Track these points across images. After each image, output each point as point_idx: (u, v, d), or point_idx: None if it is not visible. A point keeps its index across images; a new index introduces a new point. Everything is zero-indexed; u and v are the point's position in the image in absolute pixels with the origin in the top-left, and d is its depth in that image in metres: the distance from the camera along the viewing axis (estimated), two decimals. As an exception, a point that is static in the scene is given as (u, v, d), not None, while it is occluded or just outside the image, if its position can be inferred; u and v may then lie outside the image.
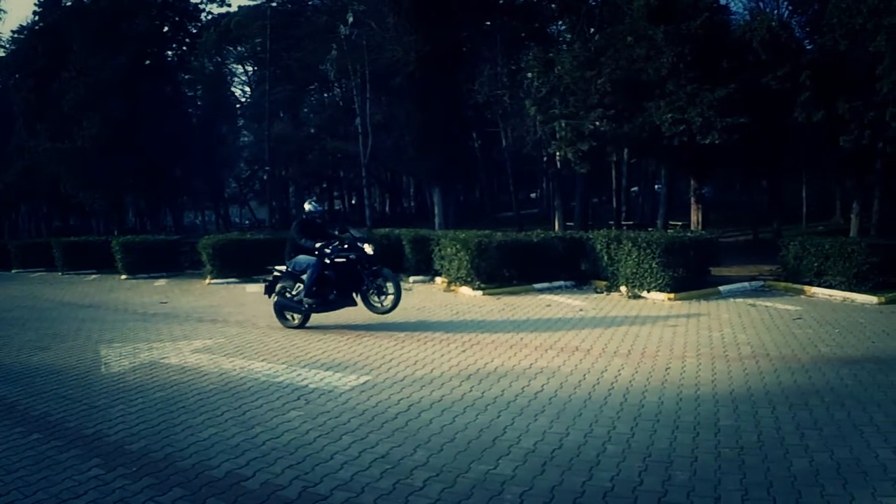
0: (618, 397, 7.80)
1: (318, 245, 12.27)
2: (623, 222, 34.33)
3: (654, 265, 15.89)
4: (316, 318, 12.93)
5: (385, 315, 12.72)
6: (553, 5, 39.63)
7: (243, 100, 68.99)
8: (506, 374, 8.89)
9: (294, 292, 12.73)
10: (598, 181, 44.49)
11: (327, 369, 9.34)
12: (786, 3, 41.97)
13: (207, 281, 22.42)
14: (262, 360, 10.05)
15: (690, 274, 16.34)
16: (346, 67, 44.59)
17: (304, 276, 12.41)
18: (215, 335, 12.51)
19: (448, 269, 18.49)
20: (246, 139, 67.63)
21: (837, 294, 15.82)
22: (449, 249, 18.56)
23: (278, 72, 54.26)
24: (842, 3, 21.86)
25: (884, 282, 15.87)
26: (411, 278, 20.40)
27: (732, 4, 58.87)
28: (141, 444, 6.60)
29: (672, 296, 15.77)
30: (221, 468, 5.93)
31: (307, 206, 13.16)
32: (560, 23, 40.03)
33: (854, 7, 21.27)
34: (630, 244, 16.53)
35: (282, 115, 58.76)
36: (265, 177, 56.76)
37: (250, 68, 68.88)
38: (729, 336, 11.39)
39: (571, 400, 7.73)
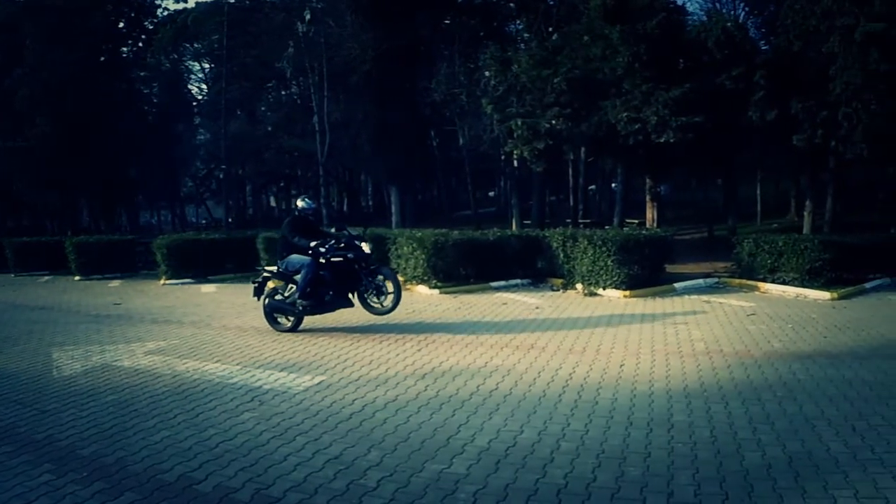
0: (572, 394, 7.78)
1: (313, 244, 11.65)
2: (580, 220, 34.47)
3: (609, 263, 15.94)
4: (309, 321, 12.53)
5: (386, 315, 12.28)
6: (511, 4, 39.82)
7: (200, 97, 68.28)
8: (461, 373, 8.83)
9: (286, 294, 12.24)
10: (555, 180, 44.70)
11: (282, 370, 9.22)
12: (742, 4, 42.56)
13: (162, 281, 22.13)
14: (217, 362, 9.89)
15: (646, 271, 16.44)
16: (304, 65, 44.34)
17: (298, 277, 11.87)
18: (169, 336, 12.29)
19: (405, 268, 18.42)
20: (202, 137, 66.92)
21: (791, 290, 16.01)
22: (405, 248, 18.50)
23: (235, 69, 53.82)
24: (796, 5, 22.13)
25: (836, 278, 16.12)
26: (369, 277, 20.29)
27: (689, 5, 59.45)
28: (92, 448, 6.46)
29: (627, 293, 15.85)
30: (173, 471, 5.82)
31: (300, 203, 12.58)
32: (518, 22, 40.13)
33: (808, 9, 21.54)
34: (586, 242, 16.57)
35: (239, 112, 58.33)
36: (221, 175, 56.26)
37: (207, 65, 68.19)
38: (683, 332, 11.44)
39: (526, 397, 7.70)
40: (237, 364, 9.70)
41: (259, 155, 53.71)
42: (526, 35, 36.02)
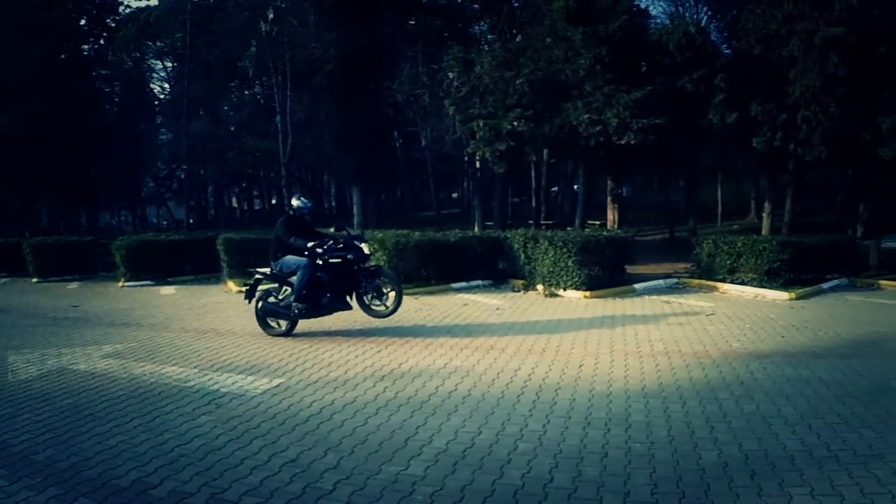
0: (531, 395, 7.76)
1: (310, 244, 11.21)
2: (542, 221, 34.59)
3: (570, 264, 15.97)
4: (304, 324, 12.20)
5: (386, 318, 11.89)
6: (475, 5, 39.83)
7: (162, 97, 67.52)
8: (420, 374, 8.78)
9: (281, 296, 11.73)
10: (518, 181, 44.83)
11: (240, 373, 9.09)
12: (705, 8, 42.89)
13: (121, 283, 21.76)
14: (174, 365, 9.72)
15: (606, 272, 16.52)
16: (267, 64, 44.02)
17: (293, 279, 11.37)
18: (127, 339, 12.02)
19: (365, 269, 18.30)
20: (164, 137, 66.12)
21: (749, 290, 16.17)
22: (366, 249, 18.37)
23: (198, 68, 53.19)
24: (756, 9, 22.31)
25: (794, 278, 16.32)
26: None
27: (652, 8, 59.88)
28: (47, 453, 6.32)
29: (588, 294, 15.88)
30: (128, 476, 5.71)
31: (295, 203, 12.03)
32: (482, 23, 40.16)
33: (768, 13, 21.72)
34: (546, 243, 16.60)
35: (201, 112, 57.70)
36: (182, 176, 55.70)
37: (170, 64, 67.38)
38: (642, 333, 11.48)
39: (485, 398, 7.68)
40: (195, 367, 9.54)
41: (221, 155, 53.12)
42: (489, 36, 36.01)
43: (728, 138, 25.66)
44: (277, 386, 8.42)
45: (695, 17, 39.19)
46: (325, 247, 11.27)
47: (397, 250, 17.35)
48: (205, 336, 12.12)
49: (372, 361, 9.57)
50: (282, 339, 11.38)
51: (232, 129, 56.60)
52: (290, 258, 11.50)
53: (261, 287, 12.04)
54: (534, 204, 38.71)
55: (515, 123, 25.01)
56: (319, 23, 38.14)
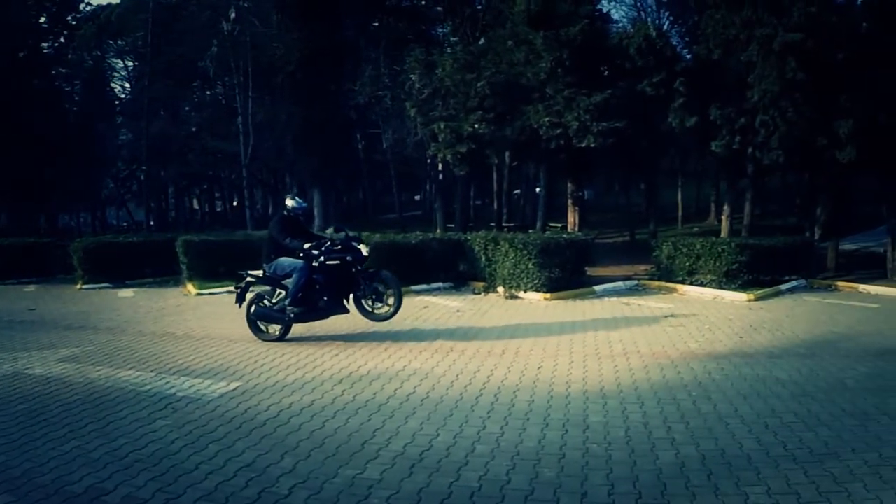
0: (489, 397, 7.73)
1: (306, 246, 10.77)
2: (504, 224, 34.55)
3: (530, 266, 15.98)
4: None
5: (383, 322, 11.47)
6: (439, 8, 39.81)
7: (123, 96, 66.69)
8: (378, 377, 8.69)
9: (274, 300, 11.25)
10: (480, 183, 44.86)
11: (197, 376, 8.93)
12: (667, 13, 43.27)
13: (79, 286, 21.37)
14: (131, 369, 9.52)
15: (566, 274, 16.57)
16: (229, 65, 43.70)
17: (288, 282, 10.92)
18: (83, 343, 11.75)
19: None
20: (124, 138, 65.29)
21: (708, 292, 16.31)
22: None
23: (159, 68, 52.62)
24: (716, 15, 22.50)
25: (753, 280, 16.49)
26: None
27: (614, 12, 60.26)
28: (0, 459, 6.18)
29: (548, 296, 15.89)
30: (82, 483, 5.57)
31: (289, 202, 11.55)
32: (445, 25, 40.18)
33: (728, 18, 21.92)
34: (507, 245, 16.59)
35: (162, 112, 57.04)
36: (143, 177, 55.02)
37: (131, 63, 66.55)
38: (601, 334, 11.51)
39: (443, 401, 7.63)
40: (152, 371, 9.35)
41: (182, 156, 52.57)
42: (452, 39, 36.04)
43: (688, 142, 25.94)
44: (234, 389, 8.28)
45: (657, 21, 39.51)
46: (324, 248, 10.87)
47: (358, 252, 17.23)
48: (162, 339, 11.90)
49: (331, 364, 9.46)
50: (239, 343, 11.15)
51: (193, 129, 56.01)
52: (285, 260, 11.05)
53: (252, 290, 11.58)
54: (496, 206, 38.74)
55: (476, 126, 25.01)
56: (282, 23, 37.91)
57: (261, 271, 11.39)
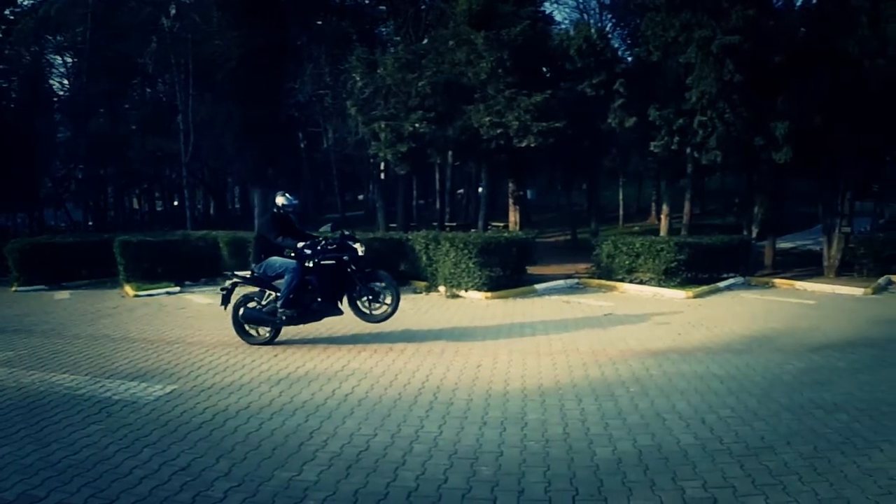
0: (428, 396, 7.70)
1: (300, 245, 10.32)
2: (447, 223, 34.61)
3: (470, 265, 15.97)
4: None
5: (379, 324, 11.04)
6: (382, 7, 39.71)
7: (61, 93, 65.36)
8: (317, 377, 8.59)
9: (264, 302, 10.75)
10: (423, 183, 44.82)
11: (133, 379, 8.74)
12: (610, 15, 43.70)
13: (13, 288, 20.87)
14: (65, 372, 9.27)
15: (507, 273, 16.62)
16: (170, 61, 43.07)
17: (279, 283, 10.45)
18: (17, 347, 11.39)
19: (264, 271, 17.98)
20: (62, 135, 64.01)
21: (648, 290, 16.48)
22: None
23: (99, 64, 51.68)
24: (656, 17, 22.73)
25: (692, 277, 16.70)
26: (228, 282, 19.65)
27: (557, 14, 60.79)
28: (-70, 467, 5.98)
29: (489, 295, 15.90)
30: (13, 490, 5.41)
31: (280, 200, 11.12)
32: (389, 24, 40.11)
33: (667, 21, 22.14)
34: (448, 245, 16.56)
35: (102, 110, 56.09)
36: (80, 176, 54.02)
37: (70, 59, 65.33)
38: (541, 332, 11.54)
39: (382, 401, 7.57)
40: (87, 374, 9.12)
41: (122, 154, 51.73)
42: (396, 39, 35.95)
43: (628, 142, 26.15)
44: (170, 392, 8.11)
45: (599, 24, 39.88)
46: (320, 247, 10.47)
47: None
48: (98, 342, 11.60)
49: (268, 365, 9.32)
50: (177, 345, 10.93)
51: (133, 127, 55.13)
52: (276, 259, 10.59)
53: (238, 291, 11.08)
54: (438, 206, 38.74)
55: (417, 125, 24.95)
56: (223, 20, 37.45)
57: (248, 272, 10.98)
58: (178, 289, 18.22)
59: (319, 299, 10.59)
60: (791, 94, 20.65)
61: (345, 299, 10.90)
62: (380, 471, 5.66)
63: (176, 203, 65.08)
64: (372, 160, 36.24)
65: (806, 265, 21.96)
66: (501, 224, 30.84)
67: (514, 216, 28.94)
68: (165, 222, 51.51)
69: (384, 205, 36.48)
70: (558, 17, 60.43)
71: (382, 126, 25.61)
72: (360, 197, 64.37)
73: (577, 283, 17.95)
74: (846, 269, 20.27)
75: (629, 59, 29.00)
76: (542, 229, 33.12)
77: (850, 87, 19.41)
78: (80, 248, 21.78)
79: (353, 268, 10.66)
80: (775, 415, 6.84)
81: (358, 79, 28.68)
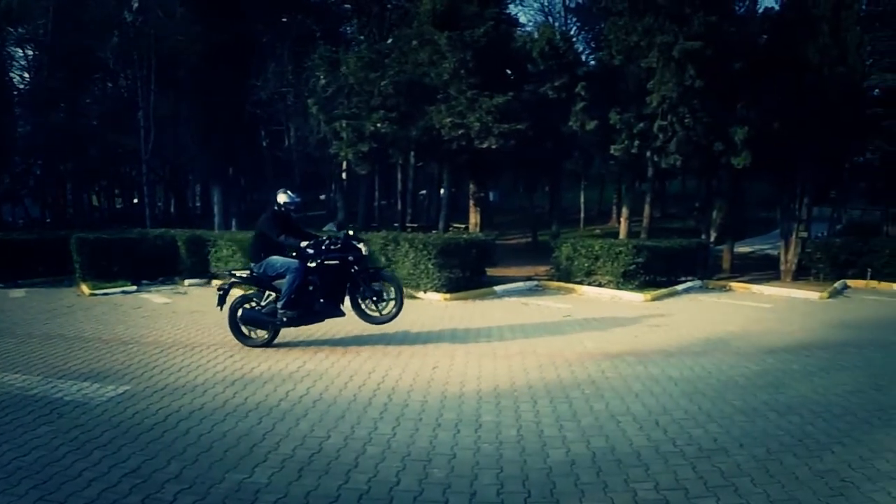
0: (382, 398, 7.62)
1: (303, 244, 10.00)
2: (408, 224, 34.55)
3: (429, 266, 15.95)
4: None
5: (382, 325, 10.74)
6: (347, 5, 39.60)
7: (21, 87, 64.35)
8: (271, 379, 8.47)
9: (264, 302, 10.43)
10: (385, 184, 44.71)
11: (85, 380, 8.53)
12: (574, 19, 43.91)
13: (-34, 288, 20.54)
14: (17, 372, 9.03)
15: (467, 275, 16.63)
16: (132, 56, 42.56)
17: (279, 283, 10.13)
18: (-33, 346, 11.25)
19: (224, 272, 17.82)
20: (21, 129, 62.97)
21: (606, 292, 16.56)
22: (225, 251, 17.97)
23: (60, 58, 50.98)
24: (619, 21, 22.90)
25: (650, 280, 16.78)
26: (186, 281, 19.39)
27: (522, 16, 61.02)
28: None
29: (448, 296, 15.89)
30: (-39, 492, 5.26)
31: (281, 197, 10.66)
32: (353, 23, 40.04)
33: (630, 25, 22.32)
34: (407, 245, 16.51)
35: (62, 104, 55.30)
36: (39, 172, 53.25)
37: (31, 52, 64.37)
38: (499, 334, 11.52)
39: (336, 402, 7.48)
40: (39, 374, 8.89)
41: (82, 150, 51.02)
42: (360, 37, 35.89)
43: (590, 145, 26.26)
44: (123, 393, 7.93)
45: (564, 27, 40.10)
46: (322, 247, 10.19)
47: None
48: (52, 341, 11.32)
49: (223, 366, 9.16)
50: (132, 345, 10.66)
51: (94, 123, 54.40)
52: (277, 259, 10.24)
53: (234, 292, 10.83)
54: (400, 207, 38.70)
55: (379, 125, 24.94)
56: (186, 15, 37.13)
57: (246, 271, 10.65)
58: (134, 288, 17.95)
59: (322, 300, 10.29)
60: (751, 99, 20.94)
61: (346, 300, 10.63)
62: (332, 473, 5.59)
63: (136, 201, 64.36)
64: (334, 159, 36.16)
65: (763, 269, 22.23)
66: (462, 225, 30.84)
67: (474, 218, 28.96)
68: (125, 220, 50.83)
69: (345, 205, 36.41)
70: (523, 19, 60.91)
71: (344, 125, 25.58)
72: (322, 197, 64.14)
73: (537, 286, 17.99)
74: (803, 274, 20.56)
75: (592, 62, 29.18)
76: (504, 231, 33.23)
77: (810, 94, 19.72)
78: (38, 245, 21.39)
79: (357, 268, 10.38)
80: (729, 417, 6.86)
81: (321, 77, 28.60)
